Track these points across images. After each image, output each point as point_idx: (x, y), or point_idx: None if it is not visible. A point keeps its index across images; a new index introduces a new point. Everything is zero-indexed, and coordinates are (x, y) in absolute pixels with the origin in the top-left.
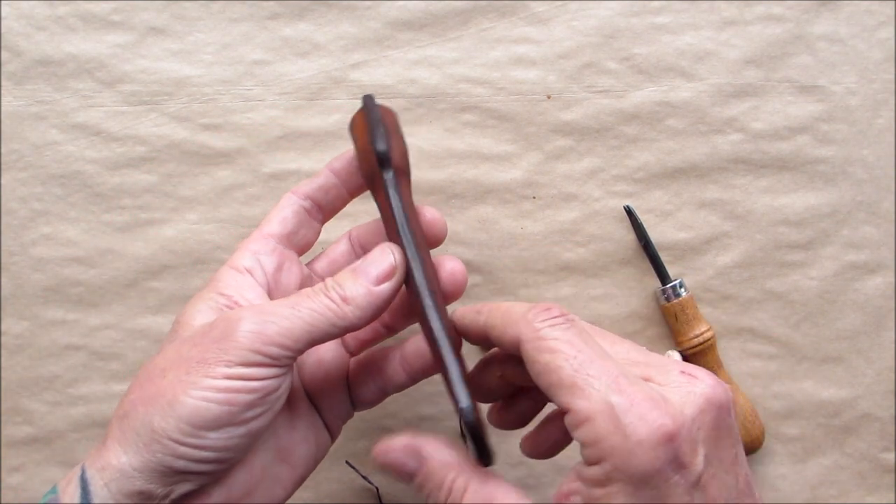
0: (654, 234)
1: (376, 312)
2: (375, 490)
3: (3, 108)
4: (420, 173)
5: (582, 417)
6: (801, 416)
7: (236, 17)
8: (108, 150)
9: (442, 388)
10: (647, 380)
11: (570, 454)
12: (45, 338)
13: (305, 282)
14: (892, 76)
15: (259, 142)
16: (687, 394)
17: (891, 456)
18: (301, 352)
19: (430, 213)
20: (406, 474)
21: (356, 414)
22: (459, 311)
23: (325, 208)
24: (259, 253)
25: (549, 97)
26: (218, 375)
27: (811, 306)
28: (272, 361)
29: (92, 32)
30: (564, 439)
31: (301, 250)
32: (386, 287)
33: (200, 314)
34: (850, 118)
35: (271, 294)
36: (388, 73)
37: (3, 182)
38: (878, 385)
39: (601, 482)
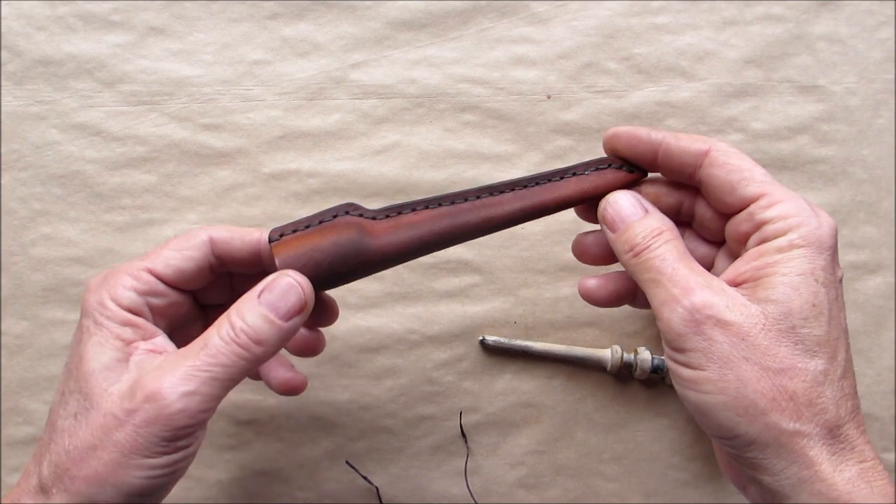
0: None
1: (285, 344)
2: (375, 490)
3: (3, 108)
4: (420, 173)
5: (778, 198)
6: None
7: (236, 17)
8: (108, 150)
9: (441, 389)
10: None
11: (570, 455)
12: (45, 338)
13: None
14: (892, 76)
15: (259, 142)
16: None
17: (891, 456)
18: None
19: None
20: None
21: (356, 414)
22: (623, 127)
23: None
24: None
25: (549, 97)
26: (158, 455)
27: None
28: (200, 422)
29: (92, 32)
30: (628, 290)
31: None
32: (296, 321)
33: (103, 363)
34: (850, 118)
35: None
36: (388, 73)
37: (3, 182)
38: (878, 385)
39: (783, 249)
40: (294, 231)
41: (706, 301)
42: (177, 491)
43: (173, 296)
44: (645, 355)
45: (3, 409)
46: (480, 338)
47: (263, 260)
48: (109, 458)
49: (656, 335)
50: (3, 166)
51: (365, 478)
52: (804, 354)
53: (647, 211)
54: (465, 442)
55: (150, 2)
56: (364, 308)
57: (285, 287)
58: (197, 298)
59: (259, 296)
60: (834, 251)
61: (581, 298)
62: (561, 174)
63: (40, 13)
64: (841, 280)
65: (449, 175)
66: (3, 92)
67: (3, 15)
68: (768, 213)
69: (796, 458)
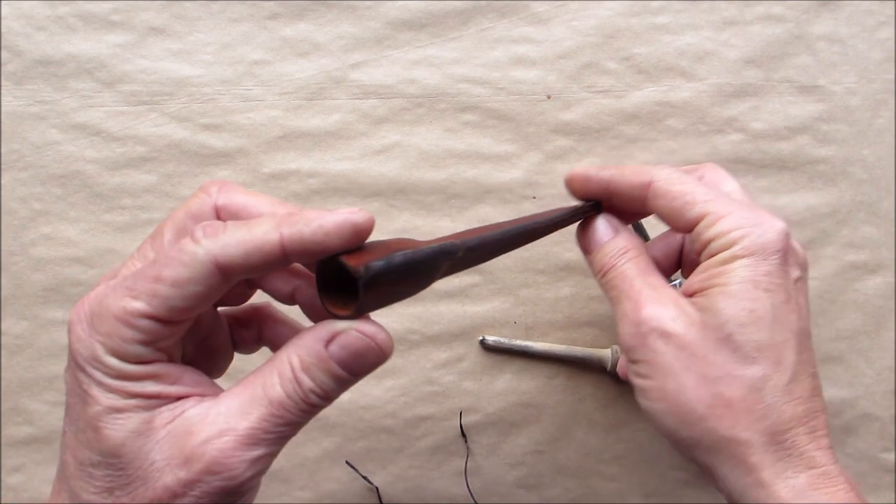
0: (655, 234)
1: None
2: (375, 490)
3: (3, 108)
4: (420, 173)
5: (720, 215)
6: None
7: (236, 17)
8: (108, 150)
9: (441, 389)
10: None
11: (570, 455)
12: (45, 338)
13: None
14: (892, 76)
15: (259, 142)
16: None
17: (891, 456)
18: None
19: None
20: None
21: (356, 414)
22: (579, 168)
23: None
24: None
25: (549, 97)
26: None
27: (811, 306)
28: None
29: (92, 32)
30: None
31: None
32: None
33: (131, 431)
34: (850, 118)
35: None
36: (388, 73)
37: (3, 182)
38: (878, 385)
39: (726, 261)
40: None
41: (652, 314)
42: None
43: (182, 328)
44: None
45: (3, 409)
46: (480, 338)
47: (291, 257)
48: None
49: None
50: (3, 166)
51: (365, 478)
52: (741, 362)
53: (617, 231)
54: (465, 442)
55: (150, 2)
56: None
57: (361, 348)
58: None
59: (326, 346)
60: (783, 254)
61: (581, 298)
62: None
63: (40, 13)
64: (798, 280)
65: (449, 175)
66: (3, 92)
67: (3, 15)
68: (712, 231)
69: (738, 464)
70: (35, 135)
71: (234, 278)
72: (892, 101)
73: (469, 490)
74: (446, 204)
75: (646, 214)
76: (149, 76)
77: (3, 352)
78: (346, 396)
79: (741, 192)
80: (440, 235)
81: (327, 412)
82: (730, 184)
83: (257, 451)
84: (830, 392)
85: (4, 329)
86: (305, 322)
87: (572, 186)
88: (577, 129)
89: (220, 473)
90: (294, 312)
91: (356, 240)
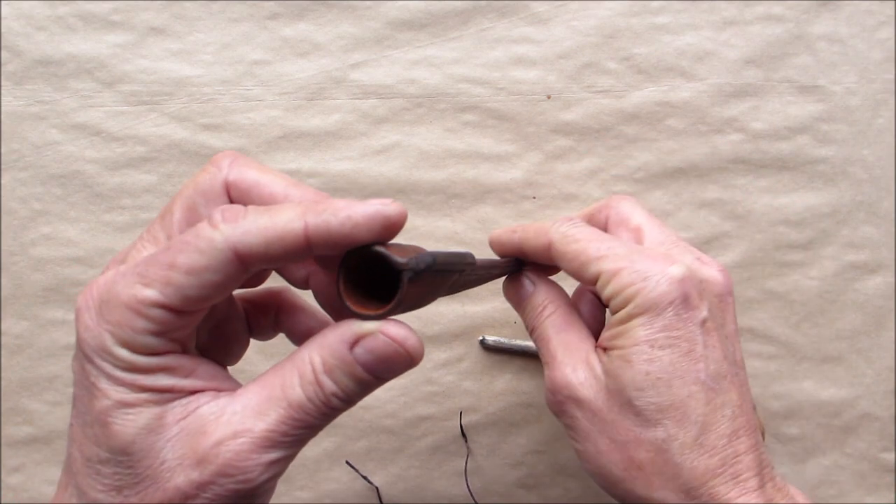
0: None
1: None
2: (375, 490)
3: (3, 108)
4: (420, 173)
5: (611, 274)
6: (801, 416)
7: (236, 17)
8: (108, 150)
9: (441, 389)
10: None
11: (570, 455)
12: (45, 338)
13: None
14: (892, 76)
15: (259, 142)
16: (696, 264)
17: (891, 456)
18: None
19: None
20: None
21: (356, 414)
22: (496, 231)
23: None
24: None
25: (549, 97)
26: None
27: (811, 306)
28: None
29: (92, 32)
30: None
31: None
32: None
33: (142, 427)
34: (850, 118)
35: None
36: (388, 73)
37: (3, 182)
38: (878, 385)
39: (623, 321)
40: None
41: (564, 381)
42: None
43: (197, 318)
44: None
45: (3, 409)
46: (480, 338)
47: (315, 248)
48: None
49: None
50: (3, 166)
51: (365, 478)
52: (645, 425)
53: (535, 285)
54: (465, 442)
55: (150, 2)
56: None
57: (388, 353)
58: None
59: (351, 348)
60: (680, 303)
61: None
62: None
63: (40, 13)
64: (705, 322)
65: (449, 175)
66: (3, 92)
67: (3, 15)
68: (608, 291)
69: None
70: (35, 135)
71: (254, 268)
72: (892, 101)
73: (469, 490)
74: (446, 204)
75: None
76: (149, 76)
77: (3, 352)
78: None
79: (650, 223)
80: (440, 236)
81: None
82: (638, 216)
83: (274, 454)
84: (830, 392)
85: (4, 329)
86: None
87: (493, 248)
88: (577, 129)
89: (235, 476)
90: (310, 296)
91: (387, 234)
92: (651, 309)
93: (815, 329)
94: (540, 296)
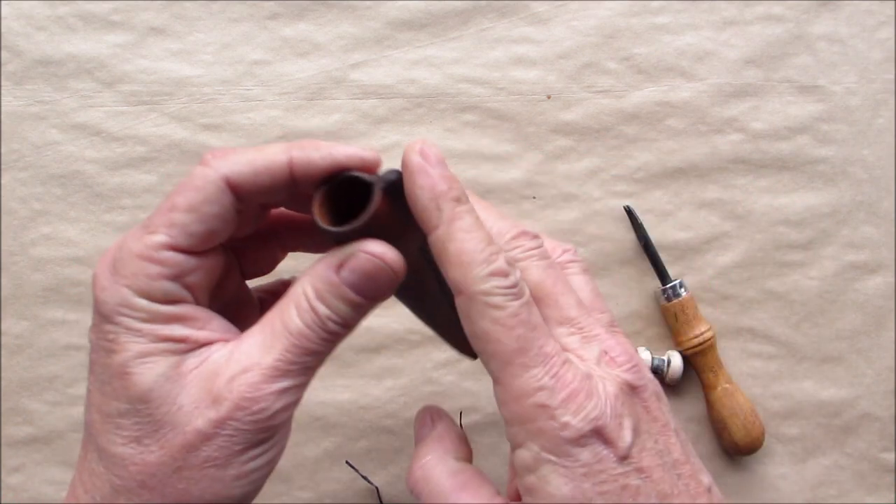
0: (654, 234)
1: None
2: (375, 490)
3: (3, 108)
4: None
5: (511, 395)
6: (801, 416)
7: (236, 17)
8: (108, 150)
9: (441, 389)
10: (571, 350)
11: None
12: (45, 338)
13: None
14: (892, 76)
15: (259, 142)
16: (607, 374)
17: (891, 456)
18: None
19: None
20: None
21: (356, 414)
22: (422, 150)
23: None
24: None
25: (549, 97)
26: (255, 459)
27: (811, 306)
28: (294, 410)
29: (92, 32)
30: None
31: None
32: (388, 294)
33: (160, 375)
34: (850, 118)
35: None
36: (388, 73)
37: (3, 182)
38: (878, 385)
39: (531, 467)
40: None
41: None
42: None
43: (207, 262)
44: (644, 355)
45: (3, 409)
46: None
47: (299, 181)
48: (201, 475)
49: (656, 335)
50: (3, 166)
51: (365, 478)
52: None
53: (433, 424)
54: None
55: (150, 2)
56: None
57: (370, 269)
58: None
59: (337, 272)
60: (595, 439)
61: None
62: None
63: (40, 13)
64: (629, 450)
65: None
66: (3, 92)
67: (3, 15)
68: (505, 411)
69: None
70: (35, 135)
71: (247, 198)
72: (892, 101)
73: None
74: None
75: None
76: (149, 76)
77: (3, 352)
78: (345, 396)
79: (588, 292)
80: None
81: (327, 412)
82: (577, 285)
83: (284, 383)
84: (830, 392)
85: (4, 329)
86: None
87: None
88: (577, 129)
89: (249, 408)
90: None
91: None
92: (563, 454)
93: (815, 329)
94: (429, 448)
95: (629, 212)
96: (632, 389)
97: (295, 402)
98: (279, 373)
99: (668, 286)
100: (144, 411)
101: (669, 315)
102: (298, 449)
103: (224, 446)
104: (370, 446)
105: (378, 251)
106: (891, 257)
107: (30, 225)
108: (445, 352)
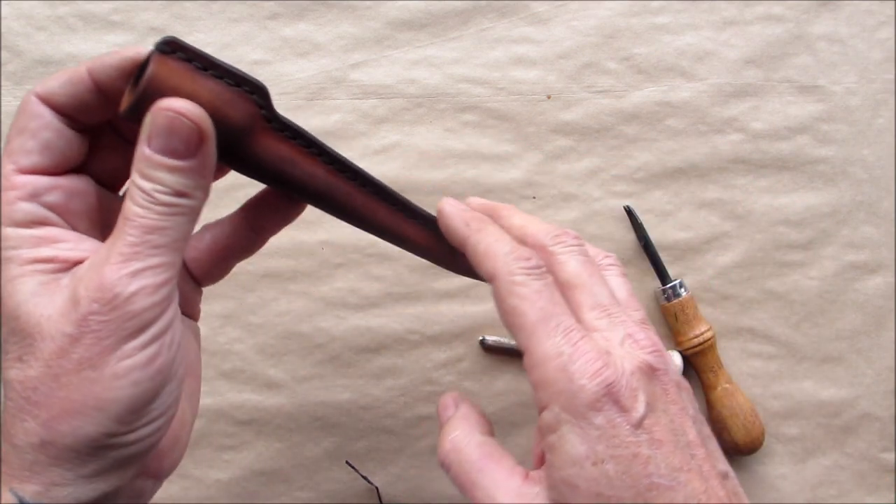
0: (654, 234)
1: (211, 176)
2: (375, 490)
3: (3, 108)
4: (420, 173)
5: (536, 360)
6: (801, 416)
7: (236, 17)
8: None
9: (441, 389)
10: (598, 330)
11: None
12: None
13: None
14: (892, 76)
15: None
16: (628, 353)
17: (891, 456)
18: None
19: None
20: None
21: (356, 414)
22: (451, 204)
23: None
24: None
25: (549, 97)
26: (132, 355)
27: (811, 306)
28: (164, 300)
29: (92, 32)
30: None
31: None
32: (205, 151)
33: (28, 291)
34: (850, 118)
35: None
36: (388, 73)
37: None
38: (878, 385)
39: (553, 427)
40: (190, 61)
41: None
42: (176, 491)
43: (67, 183)
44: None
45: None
46: (480, 338)
47: (101, 85)
48: (79, 379)
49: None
50: None
51: (365, 478)
52: None
53: (457, 406)
54: None
55: (150, 2)
56: (364, 308)
57: (166, 124)
58: (105, 185)
59: (148, 146)
60: (611, 405)
61: None
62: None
63: (40, 13)
64: (643, 420)
65: (449, 175)
66: (3, 92)
67: (3, 15)
68: (531, 376)
69: None
70: None
71: (70, 114)
72: (892, 101)
73: None
74: None
75: None
76: None
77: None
78: (345, 396)
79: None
80: None
81: (327, 412)
82: (575, 273)
83: (134, 265)
84: (830, 392)
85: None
86: None
87: (440, 222)
88: (577, 129)
89: (104, 297)
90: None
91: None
92: (580, 417)
93: (815, 329)
94: (456, 425)
95: (629, 212)
96: (651, 371)
97: (156, 287)
98: (124, 257)
99: (668, 286)
100: (18, 328)
101: (669, 315)
102: (298, 449)
103: (92, 344)
104: (370, 446)
105: (164, 104)
106: (891, 257)
107: None
108: (445, 352)
